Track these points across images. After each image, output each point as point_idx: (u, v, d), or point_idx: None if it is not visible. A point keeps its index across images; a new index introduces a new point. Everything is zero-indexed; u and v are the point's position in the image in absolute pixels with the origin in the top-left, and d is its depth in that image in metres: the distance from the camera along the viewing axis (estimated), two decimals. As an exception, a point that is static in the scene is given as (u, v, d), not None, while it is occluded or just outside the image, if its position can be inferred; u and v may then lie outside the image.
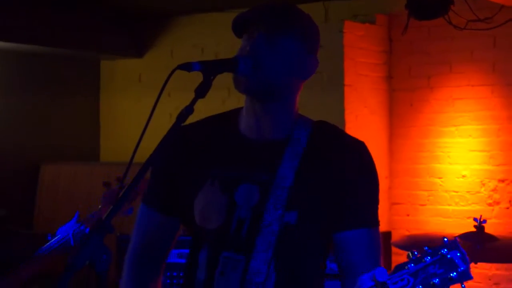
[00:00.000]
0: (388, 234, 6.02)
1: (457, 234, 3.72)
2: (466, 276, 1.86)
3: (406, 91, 6.49)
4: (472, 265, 3.78)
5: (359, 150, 2.30)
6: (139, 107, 7.07)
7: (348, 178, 2.25)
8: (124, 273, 2.43)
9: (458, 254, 1.87)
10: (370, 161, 2.29)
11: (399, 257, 5.57)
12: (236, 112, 2.37)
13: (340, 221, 2.24)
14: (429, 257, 1.88)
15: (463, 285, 1.89)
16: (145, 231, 2.42)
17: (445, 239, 1.88)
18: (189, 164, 2.33)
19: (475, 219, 3.73)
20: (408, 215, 6.44)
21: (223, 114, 2.36)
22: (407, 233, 6.12)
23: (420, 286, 1.87)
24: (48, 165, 6.75)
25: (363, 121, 6.24)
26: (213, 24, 6.84)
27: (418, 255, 1.89)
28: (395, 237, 5.85)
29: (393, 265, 5.31)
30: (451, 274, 1.85)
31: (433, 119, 6.34)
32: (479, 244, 3.65)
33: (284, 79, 2.26)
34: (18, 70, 6.73)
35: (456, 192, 6.20)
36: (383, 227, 6.13)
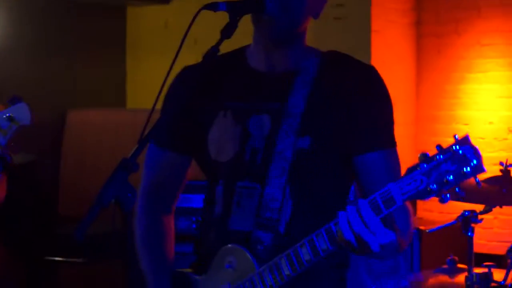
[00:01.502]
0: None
1: (483, 179, 3.71)
2: (479, 169, 1.86)
3: (434, 37, 6.43)
4: (497, 209, 3.81)
5: (368, 73, 2.29)
6: (165, 53, 7.05)
7: (359, 100, 2.23)
8: (137, 211, 2.46)
9: (470, 149, 1.86)
10: (380, 83, 2.28)
11: (426, 204, 5.57)
12: (243, 49, 2.37)
13: (355, 145, 2.23)
14: (441, 155, 1.88)
15: (477, 179, 1.89)
16: (156, 169, 2.44)
17: (456, 136, 1.88)
18: (200, 100, 2.34)
19: (501, 163, 3.71)
20: (434, 162, 6.42)
21: (230, 52, 2.35)
22: (433, 180, 6.11)
23: (435, 185, 1.87)
24: (74, 111, 6.78)
25: (390, 67, 6.20)
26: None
27: (430, 155, 1.89)
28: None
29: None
30: (465, 169, 1.85)
31: (460, 65, 6.28)
32: (504, 188, 3.64)
33: (305, 19, 2.28)
34: (45, 17, 6.74)
35: (483, 138, 6.16)
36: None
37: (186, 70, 2.42)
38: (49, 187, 6.48)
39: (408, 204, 2.23)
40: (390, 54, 6.22)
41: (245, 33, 2.33)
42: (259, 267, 2.18)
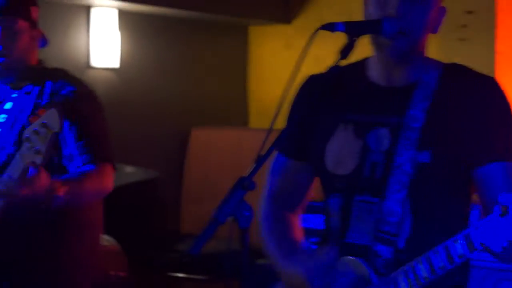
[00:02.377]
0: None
1: None
2: None
3: None
4: None
5: (489, 84, 2.26)
6: (287, 73, 7.07)
7: (480, 112, 2.21)
8: (261, 215, 2.46)
9: None
10: (501, 94, 2.25)
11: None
12: (363, 62, 2.39)
13: (476, 157, 2.20)
14: None
15: None
16: (279, 176, 2.46)
17: None
18: (320, 110, 2.36)
19: None
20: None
21: (351, 64, 2.35)
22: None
23: None
24: (198, 129, 6.89)
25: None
26: (362, -11, 6.76)
27: None
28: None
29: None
30: None
31: None
32: None
33: (424, 36, 2.27)
34: (171, 36, 6.88)
35: None
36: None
37: (310, 79, 2.45)
38: (171, 204, 6.60)
39: None
40: (516, 76, 6.07)
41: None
42: (377, 280, 2.18)
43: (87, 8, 6.25)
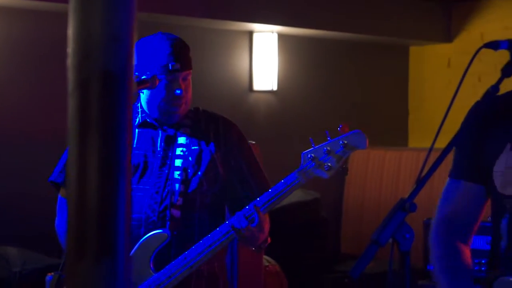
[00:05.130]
0: None
1: None
2: None
3: None
4: None
5: None
6: (448, 92, 6.98)
7: None
8: (431, 242, 2.43)
9: None
10: None
11: None
12: None
13: None
14: None
15: None
16: (450, 200, 2.41)
17: None
18: (489, 132, 2.31)
19: None
20: None
21: None
22: None
23: None
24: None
25: None
26: (526, 5, 6.59)
27: None
28: None
29: None
30: None
31: None
32: None
33: None
34: (328, 57, 6.92)
35: None
36: None
37: (478, 103, 2.39)
38: (332, 224, 6.60)
39: None
40: None
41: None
42: None
43: (250, 33, 6.38)
